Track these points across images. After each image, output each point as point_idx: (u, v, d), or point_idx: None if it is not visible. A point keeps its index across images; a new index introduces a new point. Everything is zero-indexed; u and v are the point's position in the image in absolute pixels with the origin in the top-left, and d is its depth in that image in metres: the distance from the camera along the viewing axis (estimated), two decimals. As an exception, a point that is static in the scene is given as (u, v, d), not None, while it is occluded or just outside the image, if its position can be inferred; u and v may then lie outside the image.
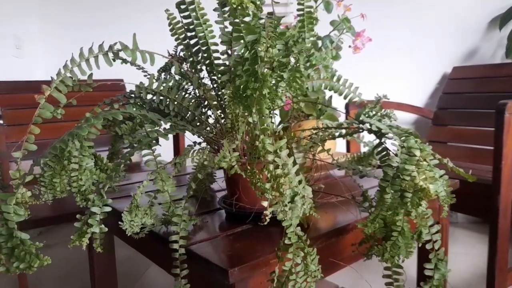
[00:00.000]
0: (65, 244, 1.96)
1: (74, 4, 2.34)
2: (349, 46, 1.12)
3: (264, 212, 0.52)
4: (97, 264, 1.20)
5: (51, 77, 0.56)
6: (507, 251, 1.40)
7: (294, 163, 0.55)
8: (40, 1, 2.32)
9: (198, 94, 0.89)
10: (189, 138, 0.88)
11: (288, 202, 0.52)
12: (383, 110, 0.90)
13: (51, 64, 2.33)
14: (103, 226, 0.59)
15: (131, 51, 0.60)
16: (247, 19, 0.53)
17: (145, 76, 0.96)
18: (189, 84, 0.90)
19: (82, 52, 0.58)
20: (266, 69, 0.50)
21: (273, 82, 0.52)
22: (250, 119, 0.50)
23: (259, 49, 0.50)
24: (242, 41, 0.54)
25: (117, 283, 1.26)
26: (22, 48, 2.24)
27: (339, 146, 2.07)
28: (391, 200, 0.59)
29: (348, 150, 1.90)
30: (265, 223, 0.53)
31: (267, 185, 0.51)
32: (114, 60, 0.59)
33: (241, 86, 0.55)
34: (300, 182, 0.54)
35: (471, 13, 2.19)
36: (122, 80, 2.17)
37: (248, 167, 0.54)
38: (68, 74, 0.57)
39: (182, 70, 0.93)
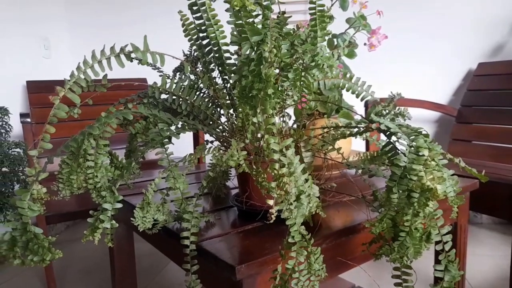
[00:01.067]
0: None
1: (99, 6, 2.40)
2: (364, 44, 1.11)
3: (270, 210, 0.53)
4: (117, 259, 1.24)
5: (64, 79, 0.58)
6: (532, 253, 1.36)
7: (301, 161, 0.55)
8: (67, 4, 2.40)
9: (210, 94, 0.91)
10: (208, 137, 0.90)
11: (294, 201, 0.53)
12: (397, 108, 0.89)
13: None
14: (114, 222, 0.62)
15: (141, 52, 0.62)
16: (252, 19, 0.54)
17: (160, 76, 0.98)
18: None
19: (94, 54, 0.60)
20: (274, 69, 0.51)
21: (280, 83, 0.53)
22: (254, 119, 0.51)
23: (264, 49, 0.50)
24: (247, 41, 0.54)
25: (136, 277, 1.30)
26: (50, 49, 2.32)
27: (358, 144, 2.05)
28: (398, 200, 0.58)
29: (367, 148, 1.88)
30: (271, 221, 0.54)
31: (273, 184, 0.52)
32: (131, 60, 0.61)
33: (247, 87, 0.56)
34: (306, 180, 0.54)
35: (497, 7, 2.12)
36: (145, 79, 2.22)
37: (254, 166, 0.54)
38: (82, 76, 0.59)
39: (196, 70, 0.95)
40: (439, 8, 2.20)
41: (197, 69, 0.99)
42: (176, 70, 0.95)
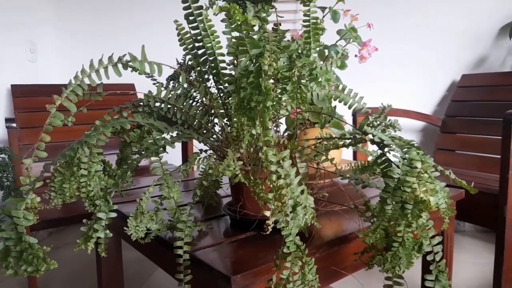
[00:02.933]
0: (72, 245, 1.99)
1: (89, 12, 2.38)
2: (355, 56, 1.13)
3: (267, 221, 0.53)
4: (104, 266, 1.22)
5: (62, 88, 0.58)
6: (514, 262, 1.39)
7: (297, 173, 0.56)
8: (55, 10, 2.37)
9: (204, 103, 0.91)
10: (197, 145, 0.90)
11: (290, 212, 0.54)
12: (387, 119, 0.91)
13: (65, 68, 2.38)
14: (108, 231, 0.61)
15: (139, 62, 0.62)
16: (252, 33, 0.55)
17: (154, 84, 0.98)
18: (197, 92, 0.92)
19: (92, 63, 0.60)
20: (270, 82, 0.51)
21: (277, 95, 0.53)
22: (253, 131, 0.52)
23: (264, 62, 0.51)
24: (246, 54, 0.55)
25: (123, 285, 1.28)
26: (36, 53, 2.29)
27: (346, 153, 2.07)
28: (391, 211, 0.60)
29: (354, 157, 1.91)
30: (268, 232, 0.54)
31: (270, 195, 0.53)
32: (126, 69, 0.61)
33: (245, 98, 0.56)
34: (302, 192, 0.55)
35: (481, 21, 2.18)
36: (133, 85, 2.21)
37: (251, 177, 0.55)
38: (79, 84, 0.59)
39: (190, 78, 0.95)
40: (424, 21, 2.25)
41: (191, 78, 1.00)
42: (170, 79, 0.95)
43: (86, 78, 0.60)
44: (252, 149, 0.77)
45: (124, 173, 0.63)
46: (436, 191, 0.59)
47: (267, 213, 0.53)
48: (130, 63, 0.61)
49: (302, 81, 0.57)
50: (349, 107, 0.88)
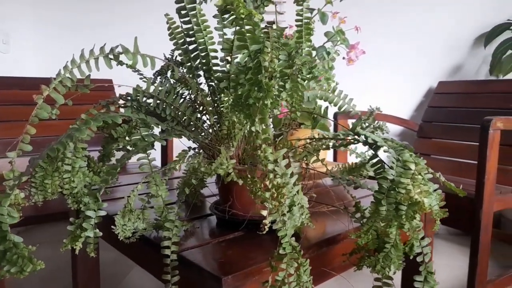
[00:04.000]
0: (44, 245, 1.92)
1: (67, 5, 2.31)
2: (343, 58, 1.13)
3: (264, 221, 0.52)
4: (81, 267, 1.18)
5: (52, 78, 0.55)
6: (487, 264, 1.43)
7: (293, 173, 0.55)
8: (35, 2, 2.28)
9: (193, 99, 0.89)
10: (177, 143, 0.87)
11: (287, 212, 0.53)
12: (375, 122, 0.91)
13: (39, 61, 2.29)
14: (97, 230, 0.58)
15: (132, 54, 0.60)
16: (254, 28, 0.53)
17: (141, 79, 0.95)
18: (184, 89, 0.90)
19: (83, 53, 0.57)
20: (267, 79, 0.50)
21: (275, 92, 0.52)
22: (253, 128, 0.50)
23: (265, 58, 0.50)
24: (246, 50, 0.54)
25: (100, 286, 1.24)
26: (9, 44, 2.20)
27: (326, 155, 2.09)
28: (386, 212, 0.60)
29: (334, 159, 1.92)
30: (264, 232, 0.53)
31: (267, 194, 0.52)
32: (117, 60, 0.59)
33: (243, 95, 0.55)
34: (298, 192, 0.54)
35: (458, 30, 2.25)
36: (111, 81, 2.15)
37: (249, 176, 0.54)
38: (68, 75, 0.56)
39: (180, 74, 0.93)
40: (403, 28, 2.30)
41: (178, 74, 0.97)
42: (157, 74, 0.93)
43: (76, 69, 0.57)
44: (244, 147, 0.76)
45: (114, 169, 0.60)
46: (430, 193, 0.59)
47: (264, 213, 0.52)
48: (123, 56, 0.58)
49: (298, 79, 0.57)
50: (339, 109, 0.88)
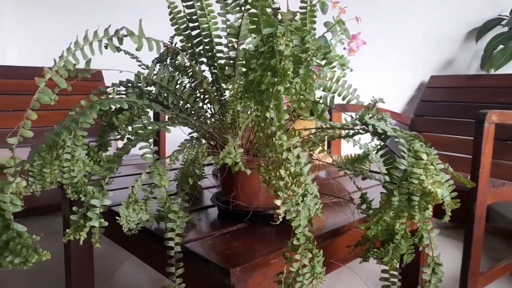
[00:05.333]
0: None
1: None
2: (344, 48, 1.12)
3: (277, 211, 0.51)
4: (75, 261, 1.15)
5: (54, 59, 0.52)
6: (480, 257, 1.45)
7: (307, 161, 0.53)
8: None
9: (193, 87, 0.87)
10: (169, 135, 0.84)
11: (301, 201, 0.51)
12: (378, 113, 0.90)
13: (24, 47, 2.22)
14: (102, 220, 0.56)
15: (137, 37, 0.57)
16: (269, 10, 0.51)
17: (139, 65, 0.93)
18: (185, 77, 0.87)
19: (87, 35, 0.55)
20: (288, 63, 0.49)
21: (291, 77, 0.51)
22: (267, 115, 0.49)
23: (280, 42, 0.48)
24: (259, 33, 0.52)
25: (93, 279, 1.21)
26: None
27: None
28: (398, 203, 0.59)
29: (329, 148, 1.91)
30: (278, 222, 0.52)
31: (281, 183, 0.50)
32: (121, 44, 0.56)
33: (255, 80, 0.53)
34: (312, 181, 0.53)
35: (449, 25, 2.26)
36: (100, 71, 2.10)
37: (262, 164, 0.52)
38: (71, 58, 0.53)
39: (176, 62, 0.90)
40: (395, 23, 2.30)
41: (177, 62, 0.95)
42: (157, 61, 0.90)
43: (79, 51, 0.54)
44: (249, 136, 0.74)
45: (118, 157, 0.58)
46: (442, 183, 0.59)
47: (278, 202, 0.51)
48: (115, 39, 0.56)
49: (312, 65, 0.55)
50: (343, 99, 0.87)
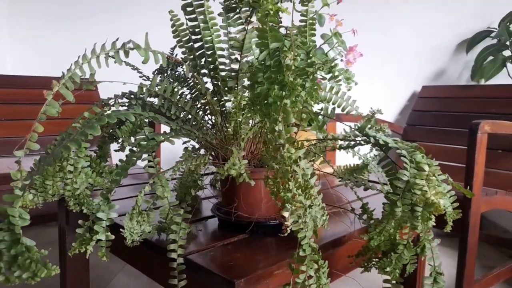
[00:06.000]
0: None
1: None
2: (341, 60, 1.13)
3: (285, 223, 0.51)
4: (70, 272, 1.13)
5: (62, 72, 0.52)
6: (474, 265, 1.46)
7: (313, 173, 0.54)
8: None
9: (193, 98, 0.87)
10: (164, 145, 0.85)
11: (308, 213, 0.52)
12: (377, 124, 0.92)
13: (19, 57, 2.20)
14: (109, 233, 0.56)
15: (144, 50, 0.58)
16: (277, 26, 0.52)
17: (140, 77, 0.93)
18: (186, 88, 0.88)
19: (95, 48, 0.55)
20: (296, 77, 0.49)
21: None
22: (276, 128, 0.49)
23: (288, 56, 0.49)
24: (266, 47, 0.53)
25: (89, 290, 1.20)
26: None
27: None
28: (401, 213, 0.59)
29: (324, 161, 1.93)
30: (286, 234, 0.52)
31: (290, 195, 0.50)
32: (127, 56, 0.56)
33: (262, 94, 0.54)
34: (319, 193, 0.53)
35: (440, 37, 2.30)
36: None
37: (270, 177, 0.52)
38: (78, 71, 0.54)
39: (176, 74, 0.91)
40: (387, 35, 2.35)
41: (177, 73, 0.95)
42: (157, 72, 0.91)
43: (86, 64, 0.55)
44: (250, 148, 0.75)
45: (124, 169, 0.57)
46: (444, 194, 0.60)
47: (286, 214, 0.51)
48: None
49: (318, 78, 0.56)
50: (342, 110, 0.88)
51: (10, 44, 2.21)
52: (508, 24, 2.03)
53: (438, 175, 0.62)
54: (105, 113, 0.60)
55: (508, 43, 2.02)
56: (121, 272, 1.69)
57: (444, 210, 0.60)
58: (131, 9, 2.24)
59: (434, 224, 0.61)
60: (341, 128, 1.88)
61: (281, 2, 0.63)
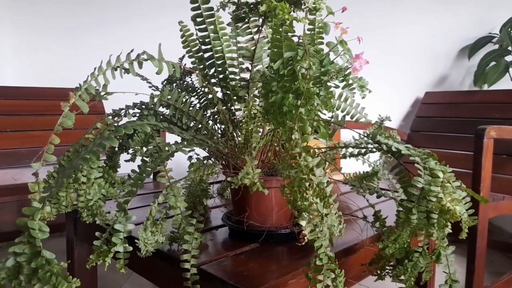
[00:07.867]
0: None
1: (46, 9, 2.23)
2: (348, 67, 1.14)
3: (303, 232, 0.51)
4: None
5: (79, 84, 0.53)
6: (483, 271, 1.45)
7: (329, 181, 0.54)
8: (10, 5, 2.20)
9: (202, 107, 0.87)
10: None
11: (325, 222, 0.52)
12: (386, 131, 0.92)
13: (20, 68, 2.21)
14: (127, 245, 0.56)
15: (158, 61, 0.58)
16: (291, 35, 0.53)
17: (150, 87, 0.93)
18: (194, 97, 0.88)
19: (110, 60, 0.55)
20: (311, 86, 0.50)
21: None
22: (292, 136, 0.49)
23: (303, 65, 0.49)
24: (280, 57, 0.53)
25: (97, 303, 1.19)
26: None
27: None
28: (417, 221, 0.59)
29: (329, 168, 1.93)
30: (303, 243, 0.52)
31: (307, 204, 0.50)
32: (141, 68, 0.57)
33: (277, 102, 0.54)
34: (335, 201, 0.53)
35: (443, 43, 2.32)
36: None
37: (286, 186, 0.52)
38: (93, 83, 0.54)
39: (199, 83, 0.91)
40: (391, 41, 2.36)
41: (185, 82, 0.96)
42: (166, 82, 0.91)
43: (101, 76, 0.55)
44: (261, 157, 0.75)
45: (139, 180, 0.57)
46: (460, 201, 0.60)
47: (303, 223, 0.51)
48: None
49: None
50: (351, 117, 0.88)
51: (11, 57, 2.22)
52: (509, 29, 2.04)
53: (453, 181, 0.62)
54: (119, 124, 0.60)
55: (510, 48, 2.03)
56: (127, 282, 1.68)
57: (460, 217, 0.60)
58: (130, 22, 2.25)
59: (451, 231, 0.61)
60: (345, 135, 1.88)
61: (294, 12, 0.64)
